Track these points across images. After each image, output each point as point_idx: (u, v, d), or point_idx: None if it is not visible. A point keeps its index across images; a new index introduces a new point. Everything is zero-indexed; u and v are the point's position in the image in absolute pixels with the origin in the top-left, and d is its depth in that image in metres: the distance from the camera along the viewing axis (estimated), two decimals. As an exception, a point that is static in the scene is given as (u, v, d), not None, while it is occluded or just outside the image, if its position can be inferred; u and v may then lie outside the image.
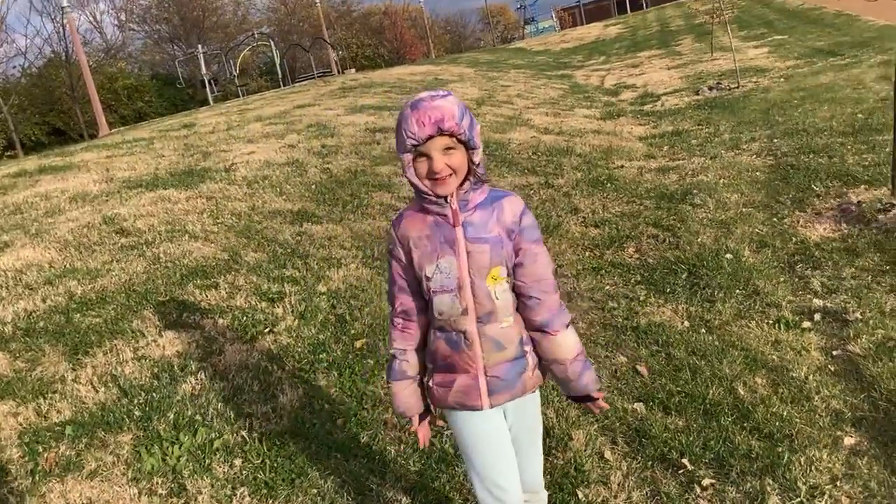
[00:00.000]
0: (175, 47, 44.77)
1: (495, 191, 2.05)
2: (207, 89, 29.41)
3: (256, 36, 35.06)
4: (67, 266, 5.08)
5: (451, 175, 1.92)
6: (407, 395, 2.17)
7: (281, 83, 30.14)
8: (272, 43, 32.21)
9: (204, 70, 29.70)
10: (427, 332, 2.13)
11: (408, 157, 1.92)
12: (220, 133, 10.90)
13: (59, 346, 3.92)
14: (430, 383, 2.13)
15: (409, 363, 2.14)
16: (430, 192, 1.95)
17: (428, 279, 2.00)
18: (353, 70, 32.78)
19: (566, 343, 2.08)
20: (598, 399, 2.17)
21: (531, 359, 2.11)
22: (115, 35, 46.37)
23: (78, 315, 4.29)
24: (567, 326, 2.10)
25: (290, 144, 9.27)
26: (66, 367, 3.71)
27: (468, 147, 1.92)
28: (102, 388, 3.51)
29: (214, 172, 7.82)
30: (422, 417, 2.23)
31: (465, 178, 1.96)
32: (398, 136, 1.93)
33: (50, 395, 3.45)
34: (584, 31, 41.46)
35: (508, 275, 2.02)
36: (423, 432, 2.25)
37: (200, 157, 8.78)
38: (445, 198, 1.95)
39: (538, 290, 2.04)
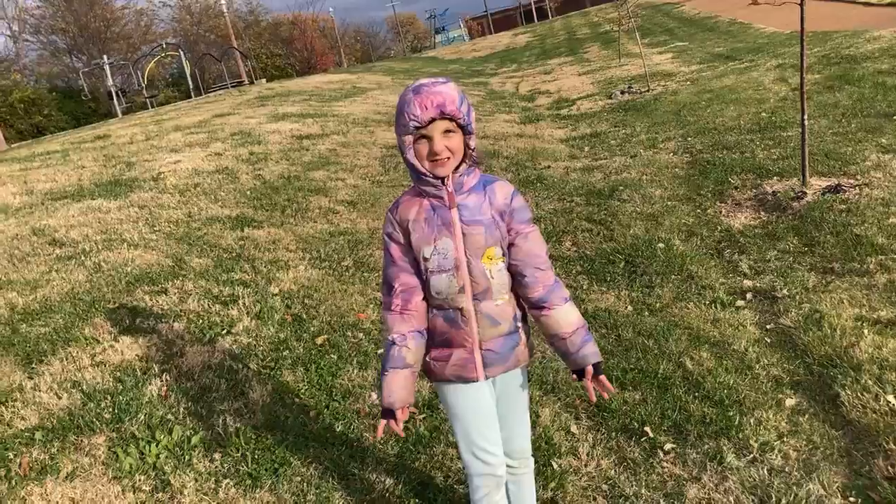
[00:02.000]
0: (75, 58, 42.98)
1: (486, 176, 2.17)
2: (115, 101, 28.37)
3: (164, 46, 34.07)
4: (2, 278, 4.91)
5: (449, 157, 2.03)
6: (400, 386, 2.12)
7: (192, 94, 29.42)
8: (182, 53, 31.38)
9: (110, 81, 28.62)
10: (427, 312, 2.20)
11: (409, 138, 2.02)
12: (140, 143, 10.64)
13: (9, 356, 3.81)
14: (427, 358, 2.21)
15: (410, 350, 2.12)
16: (429, 174, 2.06)
17: (426, 260, 2.10)
18: (264, 80, 32.34)
19: (565, 318, 2.16)
20: (601, 378, 2.16)
21: (524, 334, 2.25)
22: (7, 46, 44.23)
23: (24, 325, 4.17)
24: (566, 301, 2.17)
25: (217, 153, 9.15)
26: (21, 376, 3.62)
27: (465, 132, 2.04)
28: (65, 394, 3.45)
29: (142, 182, 7.67)
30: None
31: (461, 162, 2.08)
32: (399, 118, 2.03)
33: (10, 403, 3.37)
34: (494, 39, 42.27)
35: (503, 255, 2.14)
36: (400, 427, 2.17)
37: (124, 168, 8.57)
38: (442, 180, 2.06)
39: (532, 268, 2.14)
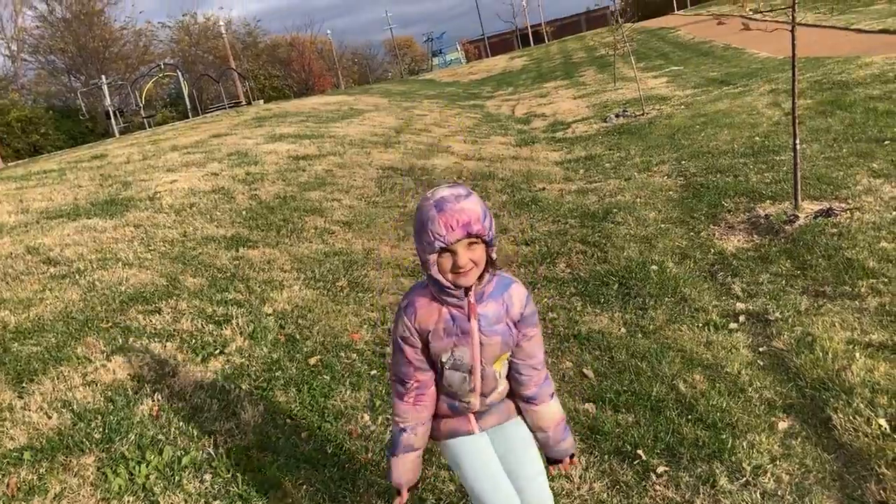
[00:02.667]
0: (73, 78, 43.14)
1: (501, 277, 2.15)
2: (112, 121, 28.46)
3: (162, 66, 34.25)
4: (-5, 296, 4.90)
5: (472, 268, 2.00)
6: (408, 469, 2.23)
7: (190, 114, 29.53)
8: (180, 74, 31.52)
9: (108, 101, 28.74)
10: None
11: (434, 256, 1.97)
12: (137, 163, 10.67)
13: None
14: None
15: (418, 436, 2.20)
16: (452, 286, 2.02)
17: (443, 363, 2.13)
18: (262, 101, 32.49)
19: (550, 413, 2.29)
20: (572, 461, 2.40)
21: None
22: (5, 66, 44.41)
23: (16, 344, 4.16)
24: (552, 397, 2.30)
25: (213, 172, 9.18)
26: (11, 395, 3.61)
27: (488, 244, 2.01)
28: (55, 414, 3.43)
29: (138, 201, 7.68)
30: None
31: (484, 271, 2.05)
32: (422, 236, 1.96)
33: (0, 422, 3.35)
34: (491, 63, 42.60)
35: (511, 354, 2.20)
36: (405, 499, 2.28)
37: (121, 187, 8.58)
38: (465, 290, 2.04)
39: (529, 368, 2.23)
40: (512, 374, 2.24)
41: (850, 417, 3.15)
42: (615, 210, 6.87)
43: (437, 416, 2.25)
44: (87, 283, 5.09)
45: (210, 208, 7.30)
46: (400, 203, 7.81)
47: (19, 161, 23.44)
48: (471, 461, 2.25)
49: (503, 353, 2.15)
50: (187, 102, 30.66)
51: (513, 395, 2.30)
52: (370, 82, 52.96)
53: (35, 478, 2.98)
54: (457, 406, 2.21)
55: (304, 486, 3.04)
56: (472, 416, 2.24)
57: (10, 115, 35.91)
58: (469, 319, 2.07)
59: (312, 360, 4.13)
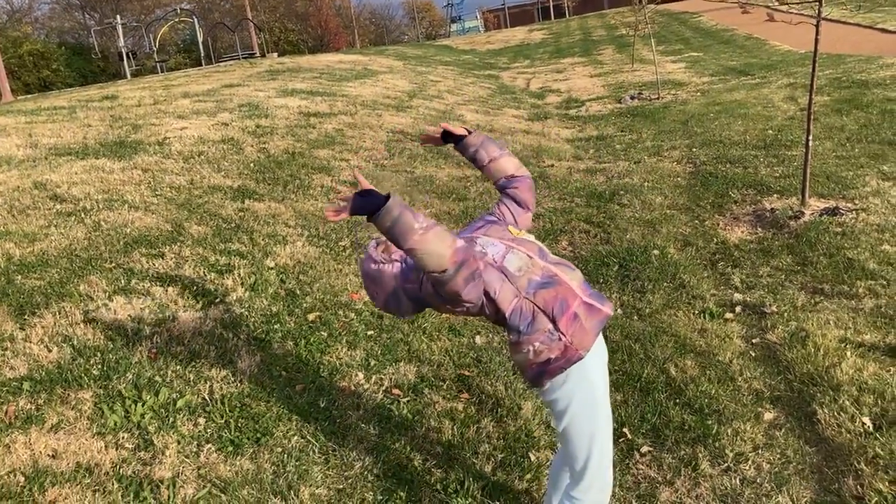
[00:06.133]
0: (87, 16, 42.73)
1: None
2: (125, 62, 28.27)
3: (178, 11, 33.91)
4: (1, 228, 4.93)
5: None
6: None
7: (203, 62, 29.32)
8: (196, 20, 31.23)
9: (122, 42, 28.53)
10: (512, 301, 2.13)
11: None
12: (147, 107, 10.62)
13: (2, 305, 3.84)
14: (567, 339, 2.07)
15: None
16: None
17: (484, 255, 2.17)
18: (276, 54, 32.22)
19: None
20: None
21: None
22: (20, -2, 43.94)
23: (19, 277, 4.20)
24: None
25: (223, 122, 9.15)
26: (13, 326, 3.65)
27: None
28: (55, 348, 3.48)
29: (147, 145, 7.67)
30: None
31: None
32: None
33: (0, 352, 3.40)
34: (509, 33, 42.11)
35: (518, 228, 2.41)
36: None
37: (130, 130, 8.57)
38: None
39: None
40: (511, 184, 2.61)
41: (835, 413, 3.20)
42: (622, 192, 6.87)
43: (559, 315, 2.08)
44: (92, 223, 5.12)
45: (218, 158, 7.30)
46: (408, 168, 7.81)
47: (29, 95, 23.35)
48: (602, 381, 2.21)
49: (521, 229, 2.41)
50: (201, 50, 30.44)
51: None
52: (386, 44, 52.43)
53: (33, 408, 3.04)
54: (543, 281, 2.11)
55: (295, 437, 3.10)
56: (590, 300, 2.13)
57: (23, 48, 35.57)
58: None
59: (311, 316, 4.18)
